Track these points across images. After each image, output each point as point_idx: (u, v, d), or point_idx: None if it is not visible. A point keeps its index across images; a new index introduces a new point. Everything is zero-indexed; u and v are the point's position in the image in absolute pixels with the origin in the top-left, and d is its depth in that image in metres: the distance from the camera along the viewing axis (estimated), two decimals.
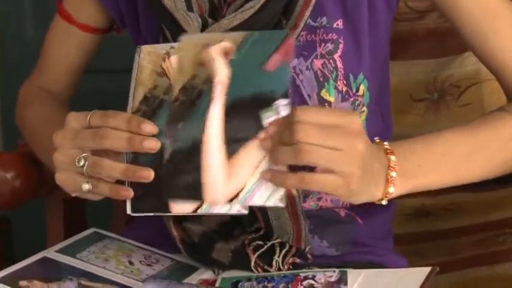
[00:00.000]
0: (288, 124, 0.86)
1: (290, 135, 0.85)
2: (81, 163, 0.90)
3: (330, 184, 0.86)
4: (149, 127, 0.89)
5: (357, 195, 0.89)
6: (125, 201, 0.92)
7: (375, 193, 0.90)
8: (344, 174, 0.86)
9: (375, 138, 0.93)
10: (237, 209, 0.88)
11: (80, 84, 1.21)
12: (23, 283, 0.93)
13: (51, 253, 1.00)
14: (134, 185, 0.91)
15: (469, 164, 0.96)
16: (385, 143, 0.92)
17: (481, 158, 0.96)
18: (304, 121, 0.85)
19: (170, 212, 0.91)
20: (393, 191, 0.90)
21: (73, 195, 0.95)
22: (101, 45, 1.18)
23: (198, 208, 0.89)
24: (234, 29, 0.95)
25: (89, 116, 0.91)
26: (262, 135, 0.87)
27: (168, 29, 0.98)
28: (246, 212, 0.89)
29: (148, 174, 0.89)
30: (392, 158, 0.90)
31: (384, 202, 0.92)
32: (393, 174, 0.90)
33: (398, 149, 0.92)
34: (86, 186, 0.91)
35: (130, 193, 0.91)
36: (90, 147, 0.91)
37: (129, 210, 0.92)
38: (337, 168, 0.85)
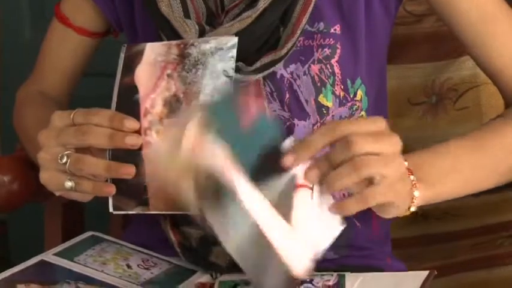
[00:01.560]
0: (334, 141, 0.83)
1: (342, 151, 0.82)
2: (64, 160, 0.91)
3: (389, 194, 0.84)
4: (131, 123, 0.90)
5: (396, 206, 0.87)
6: None
7: (406, 198, 0.88)
8: (393, 179, 0.84)
9: None
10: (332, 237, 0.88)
11: (77, 88, 1.21)
12: (20, 286, 0.93)
13: (48, 256, 1.00)
14: (116, 184, 0.91)
15: (477, 173, 0.96)
16: None
17: (487, 167, 0.96)
18: (353, 132, 0.83)
19: (149, 211, 0.92)
20: (418, 195, 0.89)
21: (57, 194, 0.95)
22: (98, 49, 1.18)
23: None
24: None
25: (72, 114, 0.92)
26: (298, 177, 0.83)
27: (166, 36, 0.99)
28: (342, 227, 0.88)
29: (131, 171, 0.90)
30: (412, 177, 0.89)
31: (412, 209, 0.90)
32: (412, 177, 0.88)
33: (410, 157, 0.90)
34: (69, 184, 0.92)
35: (113, 189, 0.91)
36: (73, 144, 0.91)
37: (111, 209, 0.92)
38: (384, 172, 0.83)
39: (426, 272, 0.92)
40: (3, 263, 1.17)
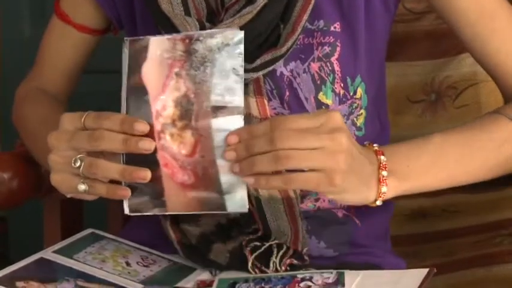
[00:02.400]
0: (261, 133, 0.86)
1: (266, 143, 0.85)
2: (77, 164, 0.91)
3: (311, 181, 0.87)
4: (142, 126, 0.90)
5: (345, 193, 0.89)
6: (121, 202, 0.92)
7: (368, 194, 0.91)
8: (326, 171, 0.86)
9: (365, 142, 0.93)
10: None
11: (78, 85, 1.21)
12: (19, 284, 0.92)
13: (48, 254, 0.99)
14: (131, 185, 0.91)
15: (463, 166, 0.96)
16: (375, 145, 0.93)
17: (474, 161, 0.96)
18: (280, 127, 0.86)
19: (166, 212, 0.92)
20: (386, 190, 0.91)
21: (68, 196, 0.95)
22: (99, 46, 1.18)
23: None
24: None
25: (83, 117, 0.92)
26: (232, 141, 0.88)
27: (166, 33, 0.98)
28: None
29: (145, 175, 0.90)
30: (382, 157, 0.92)
31: (378, 203, 0.92)
32: (384, 173, 0.91)
33: (388, 150, 0.93)
34: (82, 187, 0.92)
35: (128, 193, 0.91)
36: (86, 148, 0.91)
37: (126, 211, 0.92)
38: (319, 166, 0.86)
39: (426, 270, 0.92)
40: (3, 260, 1.17)
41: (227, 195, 0.90)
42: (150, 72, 0.92)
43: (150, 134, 0.91)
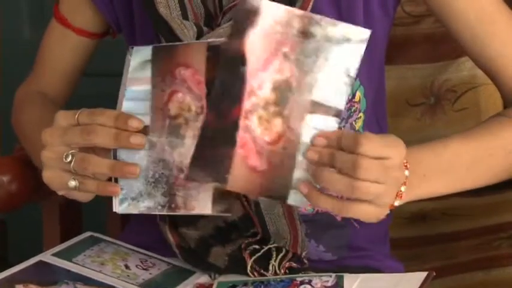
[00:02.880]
0: (348, 145, 0.84)
1: (349, 164, 0.83)
2: (69, 159, 0.91)
3: (366, 214, 0.86)
4: (136, 122, 0.90)
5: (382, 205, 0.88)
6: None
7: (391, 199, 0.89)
8: (383, 206, 0.86)
9: None
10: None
11: (77, 87, 1.21)
12: (19, 287, 0.92)
13: (47, 257, 0.99)
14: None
15: (472, 172, 0.96)
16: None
17: (483, 167, 0.96)
18: (368, 155, 0.83)
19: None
20: (398, 203, 0.90)
21: (59, 193, 0.95)
22: (98, 49, 1.18)
23: None
24: (229, 37, 0.94)
25: (77, 114, 0.92)
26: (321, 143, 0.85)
27: (164, 37, 0.98)
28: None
29: (135, 170, 0.90)
30: (407, 173, 0.88)
31: (397, 203, 0.90)
32: (403, 188, 0.89)
33: (411, 160, 0.89)
34: (73, 183, 0.92)
35: (117, 189, 0.91)
36: (78, 143, 0.91)
37: (115, 208, 0.92)
38: (379, 202, 0.86)
39: (425, 273, 0.92)
40: (2, 263, 1.17)
41: (294, 189, 0.87)
42: (255, 42, 0.83)
43: (142, 131, 0.90)
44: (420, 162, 0.92)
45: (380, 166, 0.84)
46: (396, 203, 0.89)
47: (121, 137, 0.90)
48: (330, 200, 0.85)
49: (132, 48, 0.92)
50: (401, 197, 0.89)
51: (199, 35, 0.96)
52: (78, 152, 0.91)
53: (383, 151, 0.85)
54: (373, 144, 0.84)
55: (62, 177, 0.92)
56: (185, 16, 0.98)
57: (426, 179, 0.92)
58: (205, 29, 0.97)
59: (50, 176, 0.93)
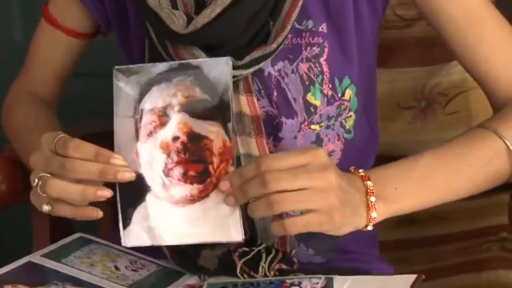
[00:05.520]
0: (251, 175, 0.87)
1: (259, 186, 0.86)
2: (35, 183, 0.91)
3: (313, 223, 0.87)
4: (118, 162, 0.90)
5: (343, 227, 0.90)
6: (112, 207, 0.92)
7: (359, 220, 0.91)
8: (324, 210, 0.87)
9: (350, 168, 0.93)
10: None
11: (67, 88, 1.20)
12: (7, 287, 0.92)
13: (36, 257, 0.99)
14: (124, 217, 0.92)
15: (451, 185, 0.96)
16: (360, 170, 0.93)
17: (463, 179, 0.96)
18: (269, 168, 0.86)
19: (164, 243, 0.93)
20: (376, 215, 0.91)
21: (44, 212, 0.94)
22: (88, 49, 1.18)
23: None
24: (217, 17, 0.94)
25: (54, 141, 0.91)
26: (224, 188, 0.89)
27: (153, 27, 0.98)
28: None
29: (106, 194, 0.89)
30: (369, 183, 0.91)
31: (370, 228, 0.92)
32: (372, 199, 0.91)
33: (374, 174, 0.92)
34: (46, 208, 0.92)
35: (99, 213, 0.91)
36: (58, 174, 0.90)
37: (124, 243, 0.93)
38: (316, 206, 0.87)
39: (414, 276, 0.92)
40: None
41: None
42: None
43: None
44: (387, 176, 0.93)
45: (288, 174, 0.86)
46: (373, 215, 0.91)
47: (107, 174, 0.89)
48: (277, 224, 0.88)
49: (115, 68, 0.93)
50: (374, 208, 0.90)
51: (189, 23, 0.96)
52: (44, 176, 0.90)
53: (288, 159, 0.87)
54: (271, 157, 0.87)
55: (39, 201, 0.92)
56: (174, 6, 0.98)
57: (400, 193, 0.93)
58: (195, 17, 0.97)
59: (32, 199, 0.94)
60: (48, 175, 0.91)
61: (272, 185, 0.85)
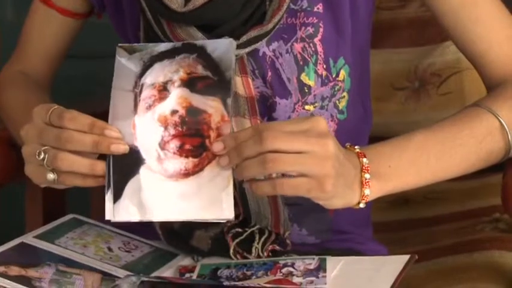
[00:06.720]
0: (249, 136, 0.86)
1: (256, 144, 0.85)
2: (41, 156, 0.90)
3: (303, 187, 0.86)
4: (113, 134, 0.89)
5: (333, 198, 0.89)
6: (103, 187, 0.92)
7: (352, 196, 0.91)
8: (316, 176, 0.86)
9: (346, 144, 0.93)
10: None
11: (60, 69, 1.20)
12: (0, 268, 0.92)
13: (29, 239, 0.99)
14: (116, 190, 0.91)
15: (445, 163, 0.96)
16: (356, 147, 0.93)
17: (456, 157, 0.96)
18: (268, 130, 0.85)
19: (152, 219, 0.91)
20: (369, 193, 0.91)
21: (42, 186, 0.94)
22: (82, 30, 1.17)
23: None
24: None
25: (49, 113, 0.90)
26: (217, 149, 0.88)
27: (150, 7, 0.97)
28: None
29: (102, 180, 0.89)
30: (364, 160, 0.91)
31: (362, 205, 0.92)
32: (367, 176, 0.90)
33: (369, 151, 0.92)
34: (51, 176, 0.91)
35: (102, 180, 0.90)
36: (53, 146, 0.90)
37: (111, 217, 0.91)
38: (309, 171, 0.86)
39: (407, 256, 0.92)
40: None
41: None
42: None
43: None
44: (382, 153, 0.93)
45: (287, 135, 0.85)
46: (367, 192, 0.90)
47: (101, 145, 0.88)
48: (267, 183, 0.86)
49: (119, 46, 0.93)
50: (368, 184, 0.90)
51: (187, 2, 0.95)
52: (50, 149, 0.89)
53: (288, 124, 0.87)
54: (270, 122, 0.87)
55: (40, 171, 0.91)
56: None
57: (393, 170, 0.93)
58: None
59: (30, 171, 0.93)
60: (53, 149, 0.89)
61: (268, 142, 0.84)
